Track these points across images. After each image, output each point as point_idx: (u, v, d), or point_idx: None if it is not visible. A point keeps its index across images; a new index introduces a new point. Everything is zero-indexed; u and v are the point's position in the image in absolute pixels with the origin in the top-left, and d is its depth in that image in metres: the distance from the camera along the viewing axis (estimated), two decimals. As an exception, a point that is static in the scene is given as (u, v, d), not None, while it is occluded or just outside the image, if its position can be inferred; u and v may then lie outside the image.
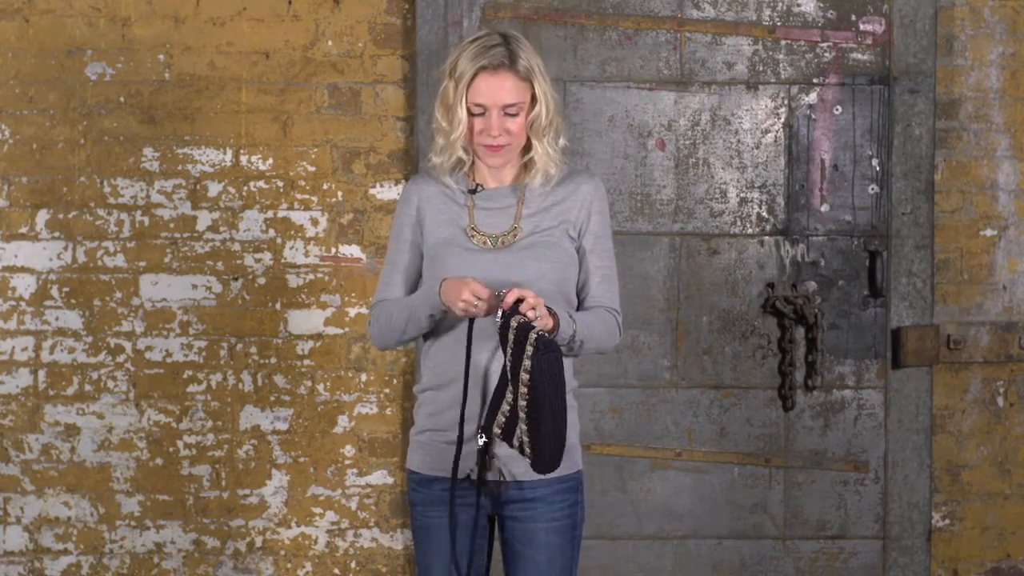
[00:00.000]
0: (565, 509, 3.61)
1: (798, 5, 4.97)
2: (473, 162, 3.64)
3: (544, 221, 3.62)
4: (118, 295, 4.94)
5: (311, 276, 4.96)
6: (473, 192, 3.62)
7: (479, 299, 3.41)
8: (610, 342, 3.64)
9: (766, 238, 4.99)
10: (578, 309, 3.64)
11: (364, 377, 4.97)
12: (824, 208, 4.99)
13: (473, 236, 3.58)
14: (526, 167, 3.64)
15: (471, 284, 3.41)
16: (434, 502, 3.58)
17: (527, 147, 3.62)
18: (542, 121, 3.57)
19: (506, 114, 3.54)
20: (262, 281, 4.96)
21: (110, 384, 4.94)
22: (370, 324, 3.69)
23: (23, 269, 4.94)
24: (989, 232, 5.07)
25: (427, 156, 3.71)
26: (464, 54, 3.54)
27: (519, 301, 3.40)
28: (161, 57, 4.93)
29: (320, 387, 4.97)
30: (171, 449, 4.95)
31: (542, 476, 3.55)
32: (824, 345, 4.96)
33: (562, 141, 3.63)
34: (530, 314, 3.39)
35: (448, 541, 3.56)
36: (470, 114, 3.55)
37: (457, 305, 3.42)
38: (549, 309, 3.48)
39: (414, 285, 3.66)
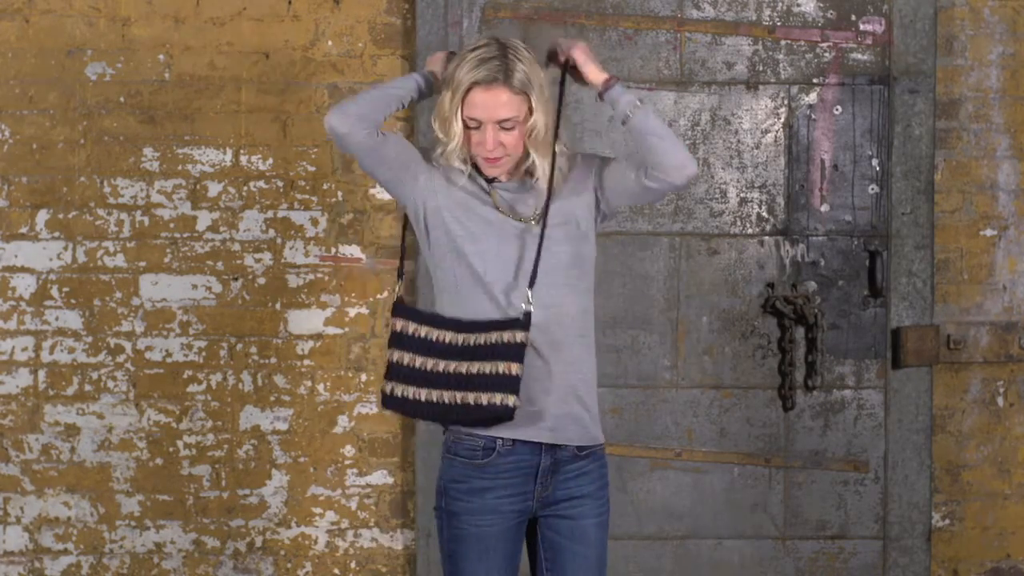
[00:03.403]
0: (606, 504, 3.65)
1: (798, 5, 4.97)
2: (474, 166, 3.63)
3: (562, 206, 3.61)
4: (118, 295, 4.94)
5: (311, 276, 4.96)
6: (490, 182, 3.62)
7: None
8: (680, 151, 3.56)
9: (766, 238, 4.99)
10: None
11: (364, 377, 4.97)
12: (824, 208, 5.00)
13: (508, 217, 3.58)
14: (529, 171, 3.64)
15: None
16: (486, 511, 3.57)
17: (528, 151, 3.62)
18: (539, 133, 3.56)
19: (502, 128, 3.54)
20: (262, 281, 4.97)
21: (110, 384, 4.94)
22: (340, 105, 3.60)
23: (23, 269, 4.94)
24: (989, 232, 5.07)
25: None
26: (461, 66, 3.53)
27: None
28: (161, 57, 4.93)
29: (320, 387, 4.97)
30: (171, 449, 4.96)
31: (596, 441, 3.60)
32: (824, 345, 4.96)
33: (559, 146, 3.61)
34: (579, 56, 3.58)
35: (502, 547, 3.55)
36: (466, 127, 3.55)
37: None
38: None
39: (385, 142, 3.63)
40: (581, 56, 3.60)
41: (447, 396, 3.50)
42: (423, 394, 3.53)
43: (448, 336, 3.54)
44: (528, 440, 3.55)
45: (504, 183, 3.62)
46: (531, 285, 3.51)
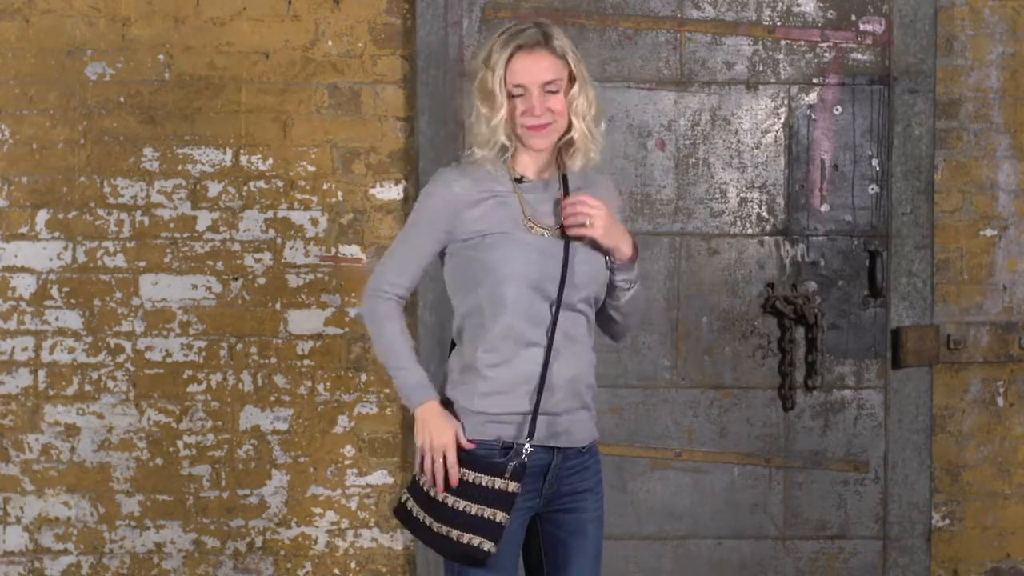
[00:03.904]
0: (602, 499, 3.68)
1: (798, 5, 4.97)
2: (512, 153, 3.60)
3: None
4: (118, 295, 4.94)
5: (311, 276, 4.96)
6: (519, 181, 3.60)
7: (439, 461, 3.48)
8: (626, 335, 3.77)
9: (766, 238, 4.99)
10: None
11: (364, 377, 4.97)
12: (824, 208, 5.00)
13: (532, 228, 3.57)
14: (561, 155, 3.61)
15: (447, 443, 3.48)
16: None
17: (564, 132, 3.60)
18: (582, 100, 3.55)
19: (547, 92, 3.52)
20: (262, 281, 4.97)
21: (110, 384, 4.94)
22: (369, 310, 3.61)
23: (23, 269, 4.94)
24: (989, 232, 5.07)
25: (469, 149, 3.62)
26: (497, 42, 3.54)
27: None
28: (161, 57, 4.93)
29: (320, 387, 4.97)
30: (171, 449, 4.96)
31: (595, 437, 3.64)
32: (824, 345, 4.96)
33: (603, 125, 3.61)
34: (592, 224, 3.51)
35: (510, 545, 3.55)
36: (511, 97, 3.53)
37: (420, 440, 3.49)
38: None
39: (417, 279, 3.63)
40: (605, 236, 3.56)
41: (436, 526, 3.52)
42: (423, 516, 3.55)
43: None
44: (545, 444, 3.57)
45: (531, 182, 3.61)
46: (557, 307, 3.54)
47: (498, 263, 3.52)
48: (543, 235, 3.56)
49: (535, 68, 3.51)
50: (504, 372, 3.53)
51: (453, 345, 3.66)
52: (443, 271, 3.65)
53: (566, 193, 3.61)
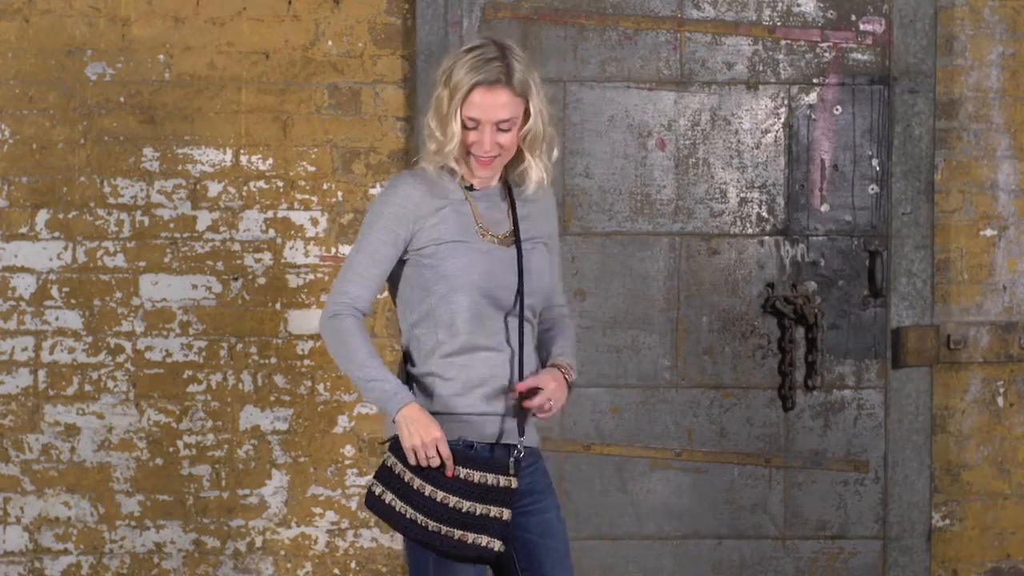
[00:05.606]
0: (556, 498, 3.67)
1: (798, 5, 4.97)
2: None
3: (530, 225, 3.64)
4: (118, 295, 4.94)
5: (311, 276, 4.96)
6: (470, 189, 3.61)
7: (433, 456, 3.46)
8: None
9: (766, 238, 4.99)
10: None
11: (364, 377, 4.96)
12: (824, 208, 5.00)
13: (484, 235, 3.57)
14: (508, 171, 3.64)
15: (438, 436, 3.46)
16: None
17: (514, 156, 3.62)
18: (536, 136, 3.57)
19: (499, 129, 3.53)
20: (262, 281, 4.97)
21: (110, 384, 4.94)
22: (330, 328, 3.55)
23: (23, 269, 4.94)
24: (989, 232, 5.07)
25: (415, 159, 3.65)
26: (460, 65, 3.53)
27: (532, 392, 3.51)
28: (161, 57, 4.93)
29: (320, 387, 4.97)
30: (171, 449, 4.96)
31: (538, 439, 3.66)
32: (824, 345, 4.96)
33: (555, 153, 3.63)
34: (544, 411, 3.54)
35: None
36: (464, 127, 3.54)
37: (411, 443, 3.46)
38: (563, 369, 3.63)
39: (380, 288, 3.60)
40: (558, 404, 3.63)
41: (432, 525, 3.49)
42: (409, 512, 3.51)
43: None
44: (509, 442, 3.58)
45: (480, 191, 3.61)
46: (520, 313, 3.56)
47: (453, 271, 3.52)
48: (494, 243, 3.57)
49: (491, 106, 3.50)
50: (463, 374, 3.53)
51: (404, 358, 3.64)
52: (391, 281, 3.63)
53: (514, 209, 3.62)
